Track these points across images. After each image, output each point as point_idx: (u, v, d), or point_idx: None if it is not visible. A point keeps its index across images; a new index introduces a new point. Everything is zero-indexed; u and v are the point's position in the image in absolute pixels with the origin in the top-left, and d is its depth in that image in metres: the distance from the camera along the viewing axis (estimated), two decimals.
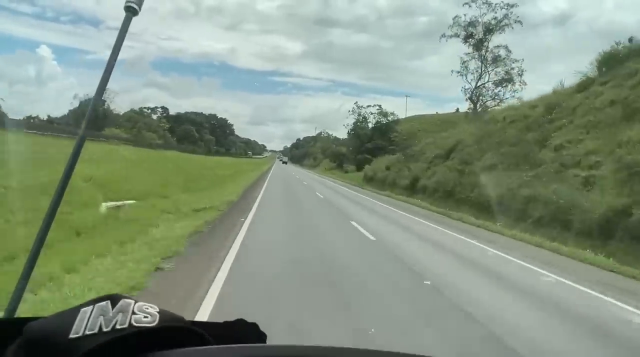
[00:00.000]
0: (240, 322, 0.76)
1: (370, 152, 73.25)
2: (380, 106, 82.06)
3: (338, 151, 77.44)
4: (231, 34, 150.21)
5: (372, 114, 79.96)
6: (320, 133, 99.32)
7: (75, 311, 0.66)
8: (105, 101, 64.71)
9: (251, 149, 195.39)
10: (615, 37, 26.46)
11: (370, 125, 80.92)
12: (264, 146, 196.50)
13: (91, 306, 0.66)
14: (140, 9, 1.07)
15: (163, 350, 0.64)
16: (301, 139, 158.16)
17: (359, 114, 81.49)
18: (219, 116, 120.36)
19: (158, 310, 0.66)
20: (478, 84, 41.39)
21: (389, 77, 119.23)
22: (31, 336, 0.65)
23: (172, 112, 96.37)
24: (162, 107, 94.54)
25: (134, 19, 1.01)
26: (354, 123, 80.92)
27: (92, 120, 1.15)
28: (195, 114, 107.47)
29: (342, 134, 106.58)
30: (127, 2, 1.06)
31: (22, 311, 0.93)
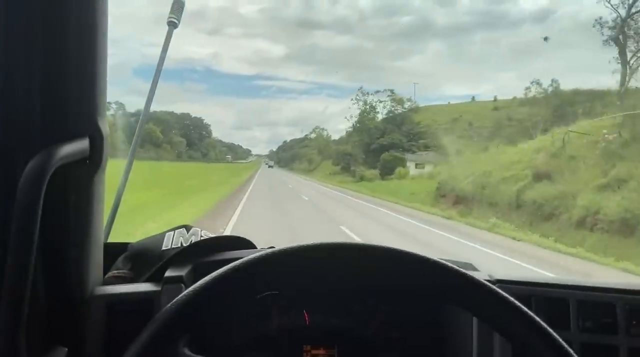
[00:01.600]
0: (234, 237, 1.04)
1: (383, 150, 55.92)
2: (392, 91, 64.82)
3: (343, 151, 59.85)
4: (214, 38, 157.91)
5: (380, 101, 63.04)
6: (316, 129, 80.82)
7: (162, 235, 1.02)
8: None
9: (235, 153, 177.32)
10: None
11: (379, 116, 63.96)
12: (249, 151, 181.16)
13: (172, 232, 1.02)
14: (179, 22, 1.28)
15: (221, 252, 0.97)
16: (288, 141, 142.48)
17: (365, 103, 64.22)
18: (193, 116, 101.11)
19: (216, 234, 1.03)
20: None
21: (373, 78, 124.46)
22: (134, 250, 1.00)
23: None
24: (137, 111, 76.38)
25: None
26: (359, 114, 63.61)
27: (143, 127, 1.41)
28: (167, 113, 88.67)
29: (333, 134, 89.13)
30: (169, 17, 1.27)
31: None
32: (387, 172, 38.59)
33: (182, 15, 1.27)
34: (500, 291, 0.64)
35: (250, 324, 1.01)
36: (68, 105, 0.75)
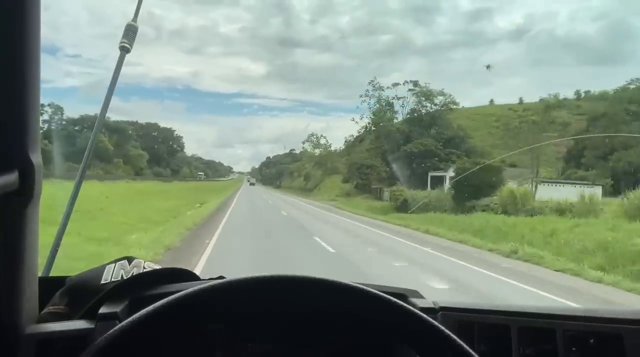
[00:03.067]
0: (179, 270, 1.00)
1: (411, 160, 40.10)
2: (415, 83, 49.02)
3: (358, 162, 43.34)
4: (194, 57, 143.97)
5: (398, 98, 47.76)
6: (311, 137, 63.41)
7: (102, 267, 0.96)
8: None
9: (215, 171, 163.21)
10: None
11: (399, 117, 47.88)
12: (230, 168, 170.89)
13: (114, 264, 0.96)
14: (132, 48, 1.35)
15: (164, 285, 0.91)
16: (271, 157, 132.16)
17: (379, 99, 48.27)
18: (162, 126, 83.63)
19: (161, 266, 0.98)
20: None
21: (353, 95, 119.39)
22: (71, 284, 0.95)
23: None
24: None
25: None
26: (373, 113, 47.50)
27: (94, 149, 1.43)
28: (126, 122, 71.36)
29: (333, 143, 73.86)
30: (121, 42, 1.32)
31: None
32: (468, 195, 21.92)
33: (135, 39, 1.35)
34: (433, 322, 0.64)
35: None
36: None
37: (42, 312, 0.90)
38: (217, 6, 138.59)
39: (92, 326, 0.82)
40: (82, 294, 0.93)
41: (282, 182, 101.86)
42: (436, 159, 40.14)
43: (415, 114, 47.83)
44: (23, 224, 0.77)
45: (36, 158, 0.74)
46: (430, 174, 38.25)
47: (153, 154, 72.46)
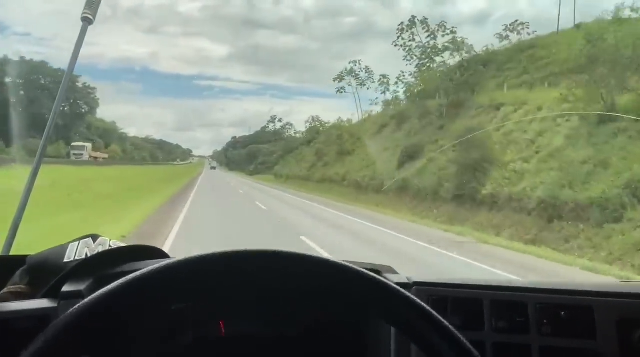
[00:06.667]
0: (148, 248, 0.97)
1: None
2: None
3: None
4: (152, 37, 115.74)
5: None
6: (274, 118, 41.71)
7: (65, 246, 0.92)
8: None
9: (169, 154, 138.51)
10: None
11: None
12: (190, 151, 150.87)
13: (77, 242, 0.92)
14: (94, 19, 1.27)
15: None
16: (237, 137, 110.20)
17: (426, 49, 25.77)
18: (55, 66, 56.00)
19: (126, 244, 0.95)
20: None
21: (317, 79, 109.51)
22: (33, 263, 0.92)
23: None
24: None
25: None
26: (417, 66, 24.77)
27: (53, 126, 1.35)
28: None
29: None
30: (83, 13, 1.25)
31: None
32: None
33: (98, 11, 1.27)
34: (407, 293, 0.63)
35: (162, 340, 0.92)
36: None
37: (1, 292, 0.88)
38: None
39: (55, 305, 0.81)
40: (44, 272, 0.89)
41: (253, 168, 77.22)
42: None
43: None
44: None
45: None
46: None
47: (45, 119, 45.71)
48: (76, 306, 0.56)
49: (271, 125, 60.17)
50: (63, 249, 0.92)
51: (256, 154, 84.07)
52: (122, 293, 0.57)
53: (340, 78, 34.82)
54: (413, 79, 27.30)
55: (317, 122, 57.14)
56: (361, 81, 34.79)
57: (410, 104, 26.91)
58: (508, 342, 0.98)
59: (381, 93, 32.43)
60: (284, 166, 46.80)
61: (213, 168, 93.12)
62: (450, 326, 0.60)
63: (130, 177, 29.40)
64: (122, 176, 28.41)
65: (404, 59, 26.35)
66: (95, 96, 61.91)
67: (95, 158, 42.52)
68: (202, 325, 0.93)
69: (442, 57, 24.55)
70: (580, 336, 0.98)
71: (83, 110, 61.25)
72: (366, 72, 34.88)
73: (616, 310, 0.99)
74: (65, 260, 0.90)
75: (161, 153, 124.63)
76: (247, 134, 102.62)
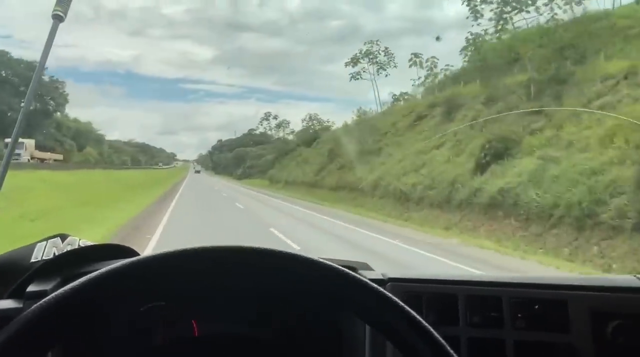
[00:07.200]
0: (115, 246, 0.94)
1: None
2: None
3: None
4: (136, 39, 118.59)
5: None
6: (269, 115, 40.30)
7: (33, 245, 0.90)
8: None
9: (152, 157, 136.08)
10: None
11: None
12: (174, 154, 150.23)
13: (45, 242, 0.90)
14: (66, 17, 1.23)
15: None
16: (223, 140, 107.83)
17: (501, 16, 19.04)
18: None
19: (97, 243, 0.93)
20: None
21: (303, 82, 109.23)
22: None
23: None
24: None
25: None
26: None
27: (23, 124, 1.29)
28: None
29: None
30: (54, 10, 1.21)
31: None
32: None
33: (69, 9, 1.23)
34: (380, 289, 0.61)
35: (132, 340, 0.91)
36: None
37: None
38: None
39: (20, 305, 0.79)
40: (9, 273, 0.87)
41: (245, 171, 71.91)
42: None
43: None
44: None
45: None
46: None
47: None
48: (37, 304, 0.54)
49: (265, 123, 53.77)
50: (30, 249, 0.91)
51: (244, 157, 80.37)
52: (84, 291, 0.55)
53: (354, 61, 28.24)
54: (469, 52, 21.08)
55: (314, 121, 51.14)
56: (380, 65, 28.33)
57: (464, 85, 20.62)
58: (483, 337, 0.99)
59: (425, 75, 25.54)
60: (280, 170, 40.51)
61: (197, 172, 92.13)
62: (425, 322, 0.59)
63: (92, 184, 22.92)
64: (81, 183, 21.90)
65: (470, 14, 19.98)
66: (64, 91, 55.02)
67: (42, 160, 35.07)
68: (174, 325, 0.91)
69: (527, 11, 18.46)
70: (554, 330, 0.99)
71: (50, 107, 54.14)
72: (385, 55, 28.40)
73: (589, 303, 1.00)
74: (32, 260, 0.88)
75: (143, 156, 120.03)
76: (233, 137, 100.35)
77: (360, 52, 28.05)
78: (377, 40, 28.36)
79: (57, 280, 0.82)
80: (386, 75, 28.76)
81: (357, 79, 28.31)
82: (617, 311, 0.98)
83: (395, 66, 28.66)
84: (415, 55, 24.95)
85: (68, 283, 0.59)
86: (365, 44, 28.47)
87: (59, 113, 56.72)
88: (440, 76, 23.88)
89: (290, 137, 50.85)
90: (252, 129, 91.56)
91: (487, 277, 1.06)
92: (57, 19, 1.21)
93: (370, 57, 28.10)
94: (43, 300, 0.54)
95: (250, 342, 0.96)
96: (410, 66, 25.29)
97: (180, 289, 0.63)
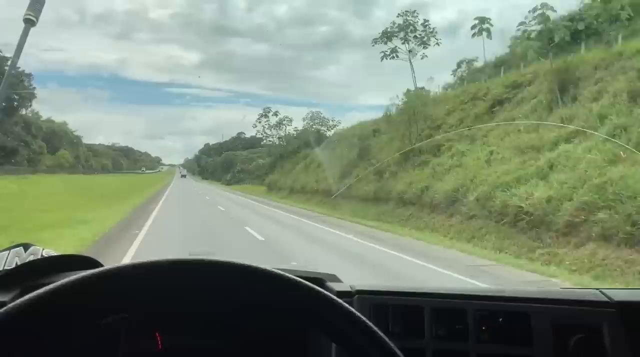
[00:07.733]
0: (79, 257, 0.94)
1: None
2: None
3: None
4: (121, 43, 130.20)
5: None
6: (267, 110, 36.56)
7: None
8: None
9: (135, 162, 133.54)
10: None
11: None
12: (159, 159, 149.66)
13: (7, 251, 0.89)
14: (37, 21, 1.22)
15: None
16: (210, 144, 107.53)
17: None
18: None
19: (60, 253, 0.93)
20: None
21: (291, 87, 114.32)
22: None
23: None
24: None
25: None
26: None
27: None
28: None
29: None
30: (25, 14, 1.21)
31: None
32: None
33: (41, 13, 1.24)
34: (343, 302, 0.60)
35: (93, 354, 0.88)
36: None
37: None
38: None
39: None
40: None
41: (234, 176, 66.76)
42: None
43: None
44: None
45: None
46: None
47: None
48: None
49: (264, 120, 47.55)
50: None
51: (233, 162, 75.70)
52: (43, 302, 0.53)
53: (387, 36, 22.16)
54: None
55: (316, 120, 45.32)
56: (421, 40, 22.34)
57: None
58: (448, 350, 0.98)
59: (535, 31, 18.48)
60: (283, 175, 34.42)
61: (183, 176, 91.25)
62: (386, 339, 0.58)
63: (40, 197, 16.57)
64: (24, 196, 15.59)
65: None
66: (30, 84, 48.32)
67: None
68: (138, 339, 0.89)
69: None
70: (517, 343, 0.98)
71: (14, 103, 47.26)
72: (424, 29, 22.39)
73: (552, 316, 0.99)
74: None
75: (126, 161, 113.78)
76: (220, 141, 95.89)
77: (394, 25, 22.03)
78: (415, 11, 22.42)
79: (17, 291, 0.81)
80: (422, 58, 22.82)
81: (393, 57, 22.15)
82: (579, 325, 0.98)
83: (437, 43, 22.73)
84: (482, 20, 19.10)
85: (27, 294, 0.58)
86: (398, 15, 22.43)
87: (24, 110, 49.78)
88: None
89: (293, 134, 45.04)
90: (241, 133, 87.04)
91: (453, 290, 1.06)
92: (29, 23, 1.22)
93: (410, 30, 22.07)
94: (4, 308, 0.52)
95: (214, 355, 0.95)
96: (473, 36, 19.48)
97: (143, 301, 0.60)
